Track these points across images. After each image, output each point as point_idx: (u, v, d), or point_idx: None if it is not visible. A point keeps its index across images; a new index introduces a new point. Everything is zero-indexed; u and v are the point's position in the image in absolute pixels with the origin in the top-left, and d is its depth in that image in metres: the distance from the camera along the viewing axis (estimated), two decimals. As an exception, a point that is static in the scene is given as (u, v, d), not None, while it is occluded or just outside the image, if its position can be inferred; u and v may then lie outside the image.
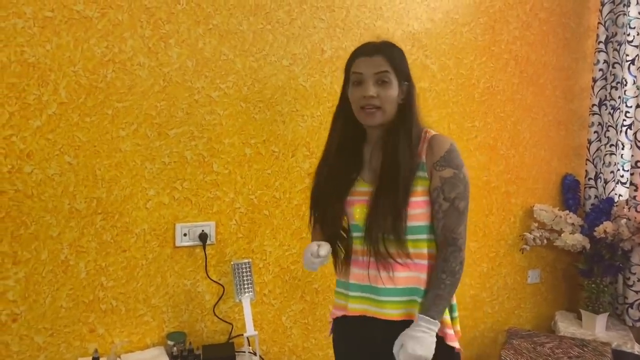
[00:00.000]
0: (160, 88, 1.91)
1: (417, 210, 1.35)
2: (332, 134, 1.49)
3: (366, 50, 1.39)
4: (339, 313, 1.50)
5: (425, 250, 1.37)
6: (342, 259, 1.48)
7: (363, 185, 1.43)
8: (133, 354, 1.89)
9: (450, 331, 1.35)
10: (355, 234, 1.44)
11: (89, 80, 1.79)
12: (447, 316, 1.36)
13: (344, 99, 1.47)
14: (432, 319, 1.28)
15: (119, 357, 1.86)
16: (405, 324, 1.33)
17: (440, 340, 1.32)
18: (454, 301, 1.40)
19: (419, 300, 1.35)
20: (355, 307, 1.43)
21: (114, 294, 1.89)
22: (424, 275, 1.36)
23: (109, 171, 1.84)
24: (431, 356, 1.24)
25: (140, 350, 1.94)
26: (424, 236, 1.37)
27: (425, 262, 1.37)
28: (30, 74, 1.71)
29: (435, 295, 1.32)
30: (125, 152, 1.86)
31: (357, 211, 1.42)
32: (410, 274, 1.37)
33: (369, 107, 1.35)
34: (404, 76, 1.40)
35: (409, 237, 1.35)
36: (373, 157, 1.44)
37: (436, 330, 1.28)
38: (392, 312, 1.37)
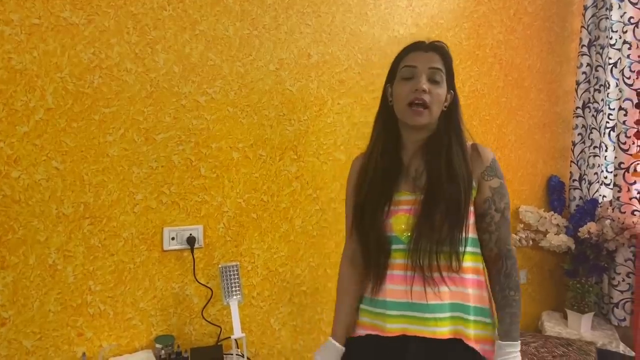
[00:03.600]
0: (147, 93, 1.93)
1: (468, 221, 1.30)
2: (375, 135, 1.42)
3: (421, 46, 1.33)
4: (363, 332, 1.38)
5: (470, 264, 1.30)
6: (373, 274, 1.36)
7: (404, 194, 1.33)
8: (121, 357, 1.90)
9: (489, 347, 1.30)
10: (394, 247, 1.32)
11: (76, 86, 1.80)
12: (490, 332, 1.31)
13: (384, 100, 1.41)
14: (514, 342, 1.27)
15: (108, 360, 1.88)
16: (452, 343, 1.27)
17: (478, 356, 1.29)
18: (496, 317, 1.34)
19: (466, 317, 1.27)
20: (395, 327, 1.31)
21: (102, 297, 1.90)
22: (469, 291, 1.28)
23: (96, 176, 1.86)
24: None
25: (128, 353, 1.94)
26: (469, 249, 1.30)
27: (469, 276, 1.29)
28: (17, 81, 1.72)
29: (510, 315, 1.28)
30: (112, 157, 1.88)
31: (397, 222, 1.31)
32: (455, 289, 1.28)
33: (417, 102, 1.27)
34: (451, 82, 1.35)
35: (461, 248, 1.27)
36: (412, 164, 1.35)
37: (519, 349, 1.27)
38: (439, 330, 1.26)
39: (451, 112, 1.36)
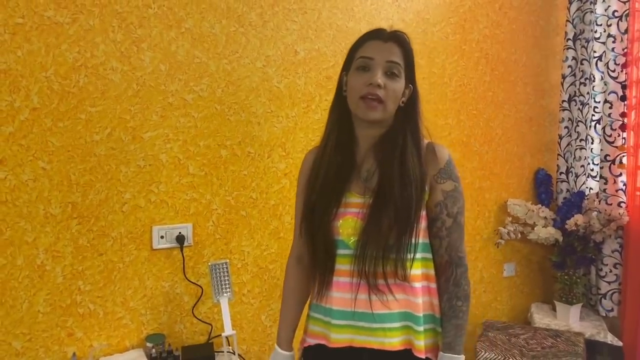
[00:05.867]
0: (134, 92, 1.92)
1: (419, 226, 1.23)
2: (328, 129, 1.33)
3: (380, 35, 1.24)
4: (312, 341, 1.33)
5: (420, 271, 1.24)
6: (319, 279, 1.29)
7: (352, 196, 1.25)
8: (112, 357, 1.89)
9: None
10: (341, 252, 1.25)
11: (62, 86, 1.79)
12: (441, 340, 1.26)
13: (339, 89, 1.31)
14: (457, 356, 1.20)
15: (98, 360, 1.87)
16: (404, 354, 1.22)
17: None
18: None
19: (416, 328, 1.21)
20: (340, 338, 1.25)
21: (91, 297, 1.89)
22: (417, 300, 1.22)
23: (84, 175, 1.85)
24: None
25: (119, 352, 1.94)
26: (419, 255, 1.24)
27: (419, 284, 1.23)
28: (1, 81, 1.70)
29: (455, 327, 1.22)
30: (99, 156, 1.87)
31: (345, 225, 1.24)
32: (403, 297, 1.22)
33: (371, 97, 1.19)
34: (411, 77, 1.27)
35: (409, 255, 1.20)
36: (364, 163, 1.27)
37: None
38: (389, 341, 1.21)
39: (409, 108, 1.28)
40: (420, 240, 1.24)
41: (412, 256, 1.21)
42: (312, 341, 1.33)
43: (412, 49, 1.27)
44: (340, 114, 1.31)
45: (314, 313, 1.33)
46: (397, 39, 1.24)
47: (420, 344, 1.21)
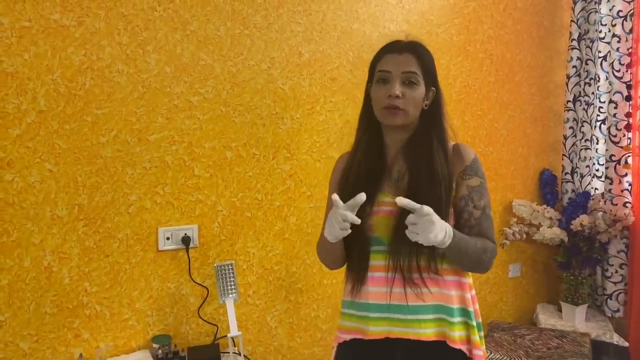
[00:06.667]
0: (140, 94, 1.93)
1: (449, 222, 1.27)
2: (359, 135, 1.42)
3: (395, 48, 1.32)
4: (347, 337, 1.37)
5: (451, 266, 1.30)
6: (354, 276, 1.35)
7: (386, 196, 1.32)
8: (118, 358, 1.91)
9: (479, 352, 1.29)
10: (375, 248, 1.32)
11: (68, 88, 1.81)
12: (476, 336, 1.29)
13: (367, 98, 1.40)
14: (450, 235, 1.17)
15: (105, 361, 1.88)
16: (438, 345, 1.27)
17: None
18: (479, 319, 1.33)
19: (450, 320, 1.27)
20: (378, 330, 1.30)
21: (98, 299, 1.91)
22: (451, 292, 1.28)
23: (90, 178, 1.86)
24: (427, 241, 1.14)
25: (125, 354, 1.95)
26: None
27: (452, 278, 1.29)
28: (8, 84, 1.72)
29: (473, 245, 1.23)
30: (105, 158, 1.88)
31: (378, 223, 1.31)
32: (437, 290, 1.28)
33: (392, 107, 1.28)
34: (432, 80, 1.33)
35: (440, 250, 1.25)
36: (394, 165, 1.36)
37: (444, 234, 1.15)
38: (423, 332, 1.27)
39: (433, 111, 1.35)
40: None
41: (443, 251, 1.25)
42: (346, 337, 1.37)
43: (430, 54, 1.34)
44: (369, 122, 1.39)
45: (347, 310, 1.38)
46: (412, 48, 1.32)
47: (455, 335, 1.27)
